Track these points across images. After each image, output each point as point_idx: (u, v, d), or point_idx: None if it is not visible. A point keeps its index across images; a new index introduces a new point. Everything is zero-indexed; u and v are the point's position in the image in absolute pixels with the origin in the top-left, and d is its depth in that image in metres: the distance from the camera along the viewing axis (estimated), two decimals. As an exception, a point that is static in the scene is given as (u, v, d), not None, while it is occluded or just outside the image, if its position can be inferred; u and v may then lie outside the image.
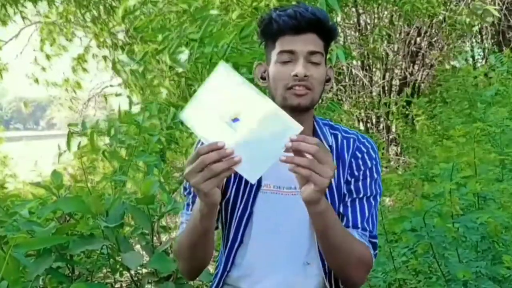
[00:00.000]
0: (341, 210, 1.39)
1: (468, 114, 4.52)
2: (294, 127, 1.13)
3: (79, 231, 2.19)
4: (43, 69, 7.93)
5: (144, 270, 2.40)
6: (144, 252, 2.31)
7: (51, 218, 2.28)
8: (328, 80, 1.42)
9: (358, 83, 7.26)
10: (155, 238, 2.38)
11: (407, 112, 6.14)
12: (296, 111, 1.33)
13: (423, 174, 4.14)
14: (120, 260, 2.26)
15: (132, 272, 2.35)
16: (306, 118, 1.38)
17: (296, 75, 1.31)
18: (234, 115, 1.11)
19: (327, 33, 1.36)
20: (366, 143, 1.44)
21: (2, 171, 7.67)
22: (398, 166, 6.09)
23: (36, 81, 8.09)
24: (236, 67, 3.12)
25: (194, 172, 1.12)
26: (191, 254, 1.34)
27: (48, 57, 7.70)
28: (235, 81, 1.14)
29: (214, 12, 3.08)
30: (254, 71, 1.47)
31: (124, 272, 2.36)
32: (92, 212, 2.11)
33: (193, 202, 1.41)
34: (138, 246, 2.41)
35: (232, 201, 1.40)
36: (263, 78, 1.42)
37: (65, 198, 2.19)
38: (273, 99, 1.36)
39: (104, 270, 2.49)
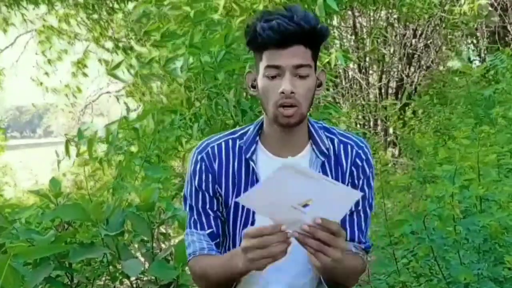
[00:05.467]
0: None
1: (468, 112, 4.51)
2: (354, 194, 1.18)
3: (78, 239, 2.17)
4: (46, 74, 7.82)
5: (145, 278, 2.38)
6: (144, 260, 2.30)
7: (50, 226, 2.26)
8: (319, 85, 1.40)
9: (355, 85, 7.27)
10: (155, 245, 2.36)
11: (406, 115, 6.15)
12: (287, 127, 1.35)
13: (421, 177, 4.14)
14: (120, 267, 2.25)
15: (132, 279, 2.34)
16: (299, 128, 1.39)
17: (283, 92, 1.30)
18: (304, 203, 1.15)
19: (314, 42, 1.33)
20: (365, 149, 1.43)
21: (2, 180, 7.64)
22: (396, 168, 6.09)
23: (41, 84, 7.98)
24: (231, 73, 3.09)
25: (254, 248, 1.17)
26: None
27: (49, 61, 7.62)
28: (304, 174, 1.15)
29: (215, 16, 3.01)
30: (244, 79, 1.46)
31: (124, 280, 2.35)
32: (92, 220, 2.10)
33: (200, 221, 1.42)
34: (137, 253, 2.40)
35: (233, 211, 1.41)
36: (253, 87, 1.41)
37: (64, 206, 2.18)
38: (265, 110, 1.37)
39: (104, 278, 2.48)
